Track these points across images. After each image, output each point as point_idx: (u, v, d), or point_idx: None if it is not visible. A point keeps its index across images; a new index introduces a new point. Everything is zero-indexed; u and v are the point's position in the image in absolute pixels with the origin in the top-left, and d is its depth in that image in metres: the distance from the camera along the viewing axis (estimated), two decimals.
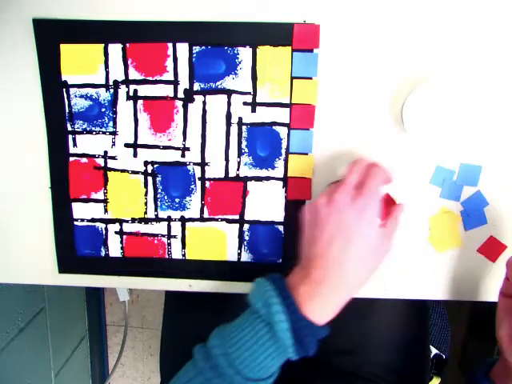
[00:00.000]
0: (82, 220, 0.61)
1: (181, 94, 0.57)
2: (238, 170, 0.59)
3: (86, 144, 0.59)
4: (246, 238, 0.61)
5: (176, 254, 0.62)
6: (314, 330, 0.47)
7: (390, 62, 0.55)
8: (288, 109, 0.57)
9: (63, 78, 0.57)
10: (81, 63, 0.57)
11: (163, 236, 0.61)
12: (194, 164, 0.59)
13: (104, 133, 0.59)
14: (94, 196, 0.60)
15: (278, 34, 0.55)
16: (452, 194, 0.58)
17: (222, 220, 0.60)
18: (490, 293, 0.61)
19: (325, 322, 0.48)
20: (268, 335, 0.47)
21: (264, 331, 0.47)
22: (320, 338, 0.49)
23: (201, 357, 0.48)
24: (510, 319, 0.52)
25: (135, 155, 0.59)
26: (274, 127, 0.57)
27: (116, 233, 0.61)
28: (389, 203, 0.57)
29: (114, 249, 0.62)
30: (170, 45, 0.56)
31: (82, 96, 0.58)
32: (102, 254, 0.62)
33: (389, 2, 0.53)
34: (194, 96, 0.57)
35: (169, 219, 0.61)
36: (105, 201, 0.61)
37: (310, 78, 0.56)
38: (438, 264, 0.60)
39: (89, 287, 1.33)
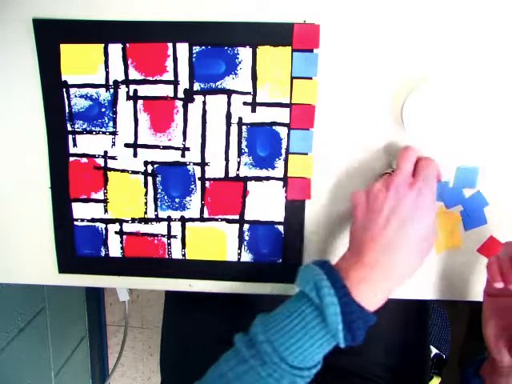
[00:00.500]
0: (82, 220, 0.61)
1: (181, 94, 0.57)
2: (237, 169, 0.59)
3: (86, 144, 0.59)
4: (246, 237, 0.61)
5: (176, 253, 0.62)
6: (364, 316, 0.46)
7: (389, 62, 0.55)
8: (288, 109, 0.57)
9: (63, 78, 0.57)
10: (81, 63, 0.57)
11: (163, 236, 0.61)
12: (194, 164, 0.59)
13: (104, 133, 0.59)
14: (94, 196, 0.60)
15: (278, 34, 0.55)
16: (453, 200, 0.58)
17: (222, 220, 0.60)
18: None
19: (374, 309, 0.47)
20: (317, 319, 0.45)
21: (313, 315, 0.45)
22: (369, 325, 0.47)
23: (243, 345, 0.46)
24: (495, 318, 0.52)
25: (135, 155, 0.59)
26: (273, 127, 0.57)
27: (116, 233, 0.61)
28: None
29: (114, 249, 0.62)
30: (170, 45, 0.56)
31: (82, 96, 0.58)
32: (102, 253, 0.62)
33: (389, 2, 0.53)
34: (194, 96, 0.57)
35: (169, 219, 0.61)
36: (105, 201, 0.61)
37: (310, 78, 0.56)
38: (438, 264, 0.60)
39: (89, 287, 1.33)
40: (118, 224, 0.61)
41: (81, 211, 0.61)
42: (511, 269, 0.48)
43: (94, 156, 0.59)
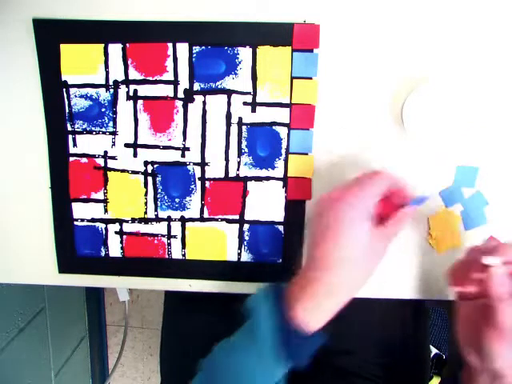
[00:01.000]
0: (82, 220, 0.61)
1: (181, 94, 0.57)
2: (237, 169, 0.59)
3: (86, 144, 0.59)
4: (246, 237, 0.60)
5: (176, 253, 0.62)
6: (302, 334, 0.45)
7: (389, 62, 0.55)
8: (288, 109, 0.57)
9: (63, 78, 0.57)
10: (81, 63, 0.57)
11: (163, 236, 0.61)
12: (194, 164, 0.59)
13: (104, 133, 0.59)
14: (94, 196, 0.60)
15: (278, 34, 0.55)
16: (453, 199, 0.58)
17: (222, 220, 0.60)
18: None
19: (316, 327, 0.47)
20: (250, 335, 0.46)
21: (247, 332, 0.46)
22: (312, 345, 0.46)
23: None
24: (465, 321, 0.50)
25: (135, 155, 0.59)
26: (273, 127, 0.57)
27: (116, 233, 0.61)
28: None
29: (114, 249, 0.62)
30: (170, 45, 0.56)
31: (82, 96, 0.58)
32: (102, 254, 0.62)
33: (389, 1, 0.53)
34: (194, 96, 0.57)
35: (169, 219, 0.61)
36: (105, 201, 0.61)
37: (310, 78, 0.56)
38: (438, 264, 0.60)
39: (89, 287, 1.33)
40: (117, 224, 0.61)
41: (81, 211, 0.61)
42: (468, 274, 0.48)
43: (93, 156, 0.59)
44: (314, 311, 0.46)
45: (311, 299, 0.46)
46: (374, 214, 0.49)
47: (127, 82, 0.57)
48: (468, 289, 0.48)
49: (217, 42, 0.55)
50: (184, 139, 0.58)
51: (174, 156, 0.59)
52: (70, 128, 0.59)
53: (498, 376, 0.47)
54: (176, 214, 0.61)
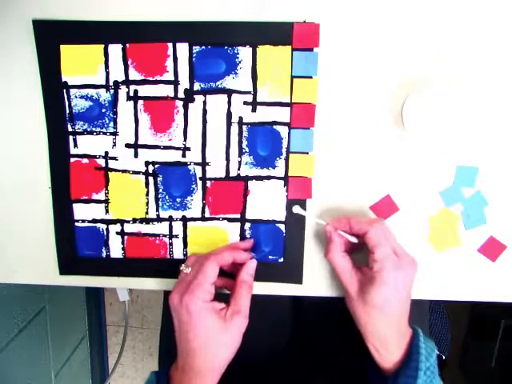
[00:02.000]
0: (83, 221, 0.61)
1: (181, 94, 0.57)
2: (238, 169, 0.59)
3: (87, 145, 0.59)
4: (248, 236, 0.60)
5: (177, 253, 0.62)
6: None
7: (390, 62, 0.55)
8: (288, 108, 0.57)
9: (63, 79, 0.57)
10: (81, 64, 0.57)
11: (165, 236, 0.61)
12: (195, 164, 0.59)
13: (105, 133, 0.58)
14: (95, 197, 0.60)
15: (277, 34, 0.55)
16: (453, 199, 0.58)
17: (224, 219, 0.60)
18: (490, 293, 0.61)
19: None
20: None
21: None
22: None
23: None
24: (355, 275, 0.55)
25: (136, 155, 0.59)
26: (274, 126, 0.57)
27: (117, 233, 0.61)
28: (389, 206, 0.58)
29: (116, 249, 0.62)
30: (170, 45, 0.56)
31: (82, 97, 0.58)
32: (104, 254, 0.62)
33: (389, 1, 0.53)
34: (195, 96, 0.57)
35: (170, 219, 0.61)
36: (106, 201, 0.60)
37: (310, 77, 0.56)
38: (437, 264, 0.60)
39: (89, 287, 1.33)
40: (119, 224, 0.61)
41: (82, 212, 0.61)
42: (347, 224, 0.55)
43: (94, 157, 0.59)
44: None
45: (187, 379, 0.53)
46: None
47: (127, 82, 0.57)
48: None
49: (217, 41, 0.55)
50: (185, 139, 0.58)
51: (174, 156, 0.59)
52: (70, 129, 0.59)
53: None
54: (177, 214, 0.61)
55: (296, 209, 0.59)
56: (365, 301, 0.53)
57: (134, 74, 0.57)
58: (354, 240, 0.55)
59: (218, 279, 0.55)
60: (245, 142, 0.58)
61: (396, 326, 0.54)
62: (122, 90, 0.57)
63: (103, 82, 0.57)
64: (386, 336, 0.53)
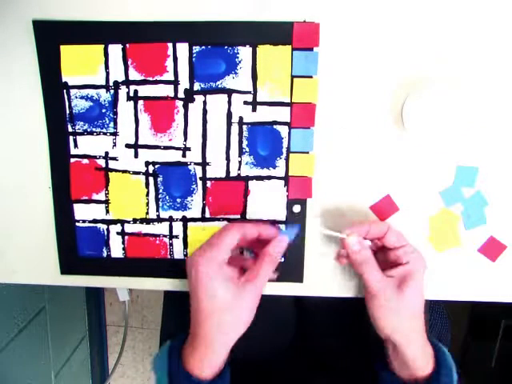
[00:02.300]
0: (84, 221, 0.61)
1: (181, 94, 0.57)
2: (239, 169, 0.59)
3: (87, 145, 0.59)
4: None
5: (178, 254, 0.62)
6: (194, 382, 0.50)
7: (390, 61, 0.55)
8: (288, 108, 0.57)
9: (63, 79, 0.57)
10: (81, 64, 0.57)
11: (165, 236, 0.61)
12: (195, 164, 0.59)
13: (105, 134, 0.58)
14: (95, 197, 0.60)
15: (277, 33, 0.55)
16: (453, 199, 0.58)
17: (224, 220, 0.60)
18: (490, 293, 0.61)
19: (212, 375, 0.51)
20: None
21: None
22: None
23: None
24: (385, 282, 0.54)
25: (136, 156, 0.59)
26: (274, 126, 0.57)
27: (118, 233, 0.61)
28: (389, 206, 0.58)
29: (116, 249, 0.62)
30: (170, 45, 0.56)
31: (82, 97, 0.58)
32: (104, 254, 0.62)
33: (389, 1, 0.53)
34: (195, 96, 0.57)
35: (170, 219, 0.61)
36: (106, 202, 0.60)
37: (311, 77, 0.56)
38: (437, 264, 0.60)
39: (89, 287, 1.34)
40: (119, 225, 0.61)
41: (82, 212, 0.61)
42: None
43: (95, 157, 0.59)
44: (203, 362, 0.51)
45: (197, 351, 0.51)
46: (238, 265, 0.55)
47: (127, 82, 0.57)
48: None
49: (217, 41, 0.55)
50: (185, 139, 0.58)
51: (174, 156, 0.59)
52: (70, 129, 0.59)
53: (394, 344, 0.53)
54: (177, 214, 0.61)
55: (325, 231, 0.58)
56: (398, 302, 0.52)
57: (134, 74, 0.57)
58: (369, 243, 0.55)
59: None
60: (245, 142, 0.58)
61: (422, 331, 0.54)
62: (122, 90, 0.57)
63: (103, 83, 0.57)
64: (415, 343, 0.53)
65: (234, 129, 0.58)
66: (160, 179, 0.59)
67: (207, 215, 0.60)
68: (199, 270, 0.51)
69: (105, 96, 0.57)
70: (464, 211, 0.58)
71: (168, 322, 0.82)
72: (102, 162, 0.59)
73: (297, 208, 0.59)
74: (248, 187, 0.59)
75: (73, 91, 0.57)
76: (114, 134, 0.58)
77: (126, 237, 0.61)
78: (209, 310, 0.51)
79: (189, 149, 0.58)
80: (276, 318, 0.74)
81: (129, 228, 0.61)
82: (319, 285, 0.62)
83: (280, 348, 0.73)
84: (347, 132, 0.57)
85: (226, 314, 0.51)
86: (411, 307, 0.52)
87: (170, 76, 0.57)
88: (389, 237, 0.53)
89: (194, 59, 0.56)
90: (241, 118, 0.57)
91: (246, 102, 0.57)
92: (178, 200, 0.60)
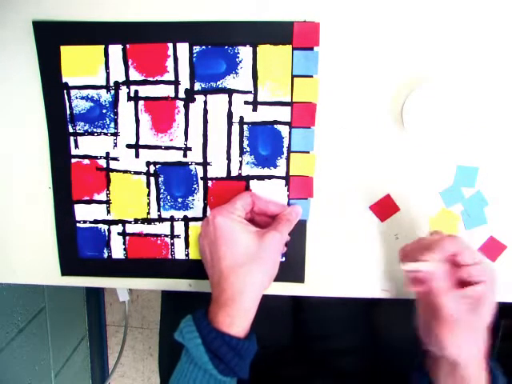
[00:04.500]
0: (85, 222, 0.61)
1: (182, 94, 0.57)
2: (240, 169, 0.59)
3: (88, 145, 0.59)
4: None
5: (179, 254, 0.62)
6: (228, 341, 0.48)
7: (390, 61, 0.55)
8: (289, 107, 0.57)
9: (64, 80, 0.57)
10: (81, 65, 0.57)
11: (166, 236, 0.61)
12: (196, 164, 0.59)
13: (105, 134, 0.59)
14: (96, 197, 0.60)
15: (278, 33, 0.55)
16: (453, 199, 0.58)
17: None
18: None
19: (242, 334, 0.50)
20: (187, 358, 0.49)
21: (185, 358, 0.49)
22: (245, 353, 0.49)
23: None
24: (423, 317, 0.53)
25: (137, 156, 0.59)
26: (275, 126, 0.57)
27: (119, 234, 0.61)
28: (389, 206, 0.58)
29: (117, 250, 0.62)
30: (170, 45, 0.56)
31: (82, 97, 0.58)
32: (105, 255, 0.62)
33: (389, 0, 0.53)
34: (195, 96, 0.57)
35: (172, 219, 0.61)
36: (107, 202, 0.61)
37: (311, 76, 0.56)
38: None
39: (89, 287, 1.34)
40: (120, 225, 0.61)
41: (83, 213, 0.61)
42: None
43: (95, 157, 0.59)
44: (232, 317, 0.49)
45: (224, 308, 0.49)
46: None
47: (128, 82, 0.57)
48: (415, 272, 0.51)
49: (217, 41, 0.55)
50: (186, 139, 0.58)
51: (175, 156, 0.59)
52: (71, 130, 0.59)
53: (454, 364, 0.50)
54: (179, 214, 0.61)
55: (406, 266, 0.50)
56: (471, 323, 0.49)
57: (134, 75, 0.57)
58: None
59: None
60: (246, 142, 0.58)
61: (485, 345, 0.51)
62: (123, 91, 0.57)
63: (104, 83, 0.57)
64: (476, 361, 0.50)
65: (235, 128, 0.58)
66: (161, 179, 0.60)
67: (208, 215, 0.60)
68: (219, 221, 0.51)
69: (105, 96, 0.57)
70: (464, 211, 0.58)
71: (167, 322, 0.82)
72: (102, 163, 0.59)
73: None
74: (249, 187, 0.59)
75: (73, 92, 0.57)
76: (115, 134, 0.58)
77: (128, 237, 0.61)
78: (233, 260, 0.50)
79: (190, 149, 0.58)
80: (274, 318, 0.75)
81: (130, 228, 0.61)
82: (320, 285, 0.62)
83: (278, 348, 0.73)
84: (347, 132, 0.57)
85: (251, 268, 0.50)
86: (483, 327, 0.50)
87: (170, 76, 0.57)
88: (463, 255, 0.48)
89: (194, 59, 0.56)
90: (241, 118, 0.57)
91: (246, 102, 0.57)
92: (180, 200, 0.60)
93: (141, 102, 0.57)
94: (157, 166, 0.59)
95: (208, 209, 0.60)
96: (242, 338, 0.49)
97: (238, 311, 0.50)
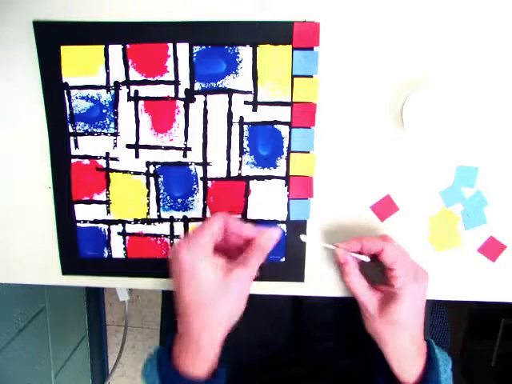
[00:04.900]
0: (85, 221, 0.61)
1: (182, 94, 0.57)
2: (239, 169, 0.59)
3: (88, 145, 0.59)
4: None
5: None
6: (192, 380, 0.48)
7: (390, 61, 0.55)
8: (289, 107, 0.57)
9: (64, 80, 0.57)
10: (81, 65, 0.57)
11: (166, 236, 0.61)
12: (196, 164, 0.59)
13: (105, 134, 0.58)
14: (96, 197, 0.60)
15: (278, 33, 0.55)
16: (452, 199, 0.58)
17: None
18: (490, 293, 0.61)
19: (205, 374, 0.49)
20: None
21: None
22: None
23: None
24: (374, 294, 0.55)
25: (137, 156, 0.59)
26: (275, 126, 0.57)
27: (119, 234, 0.61)
28: (389, 206, 0.58)
29: (117, 250, 0.62)
30: (170, 45, 0.56)
31: (82, 97, 0.58)
32: (105, 255, 0.62)
33: (389, 0, 0.53)
34: (195, 96, 0.57)
35: (171, 219, 0.61)
36: (107, 202, 0.60)
37: (311, 77, 0.56)
38: (437, 264, 0.60)
39: (89, 287, 1.34)
40: (120, 225, 0.61)
41: (83, 213, 0.61)
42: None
43: (95, 157, 0.59)
44: (193, 358, 0.49)
45: (185, 347, 0.49)
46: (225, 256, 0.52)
47: (128, 82, 0.57)
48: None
49: (217, 41, 0.55)
50: (185, 139, 0.58)
51: (175, 156, 0.59)
52: (71, 130, 0.59)
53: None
54: (178, 215, 0.61)
55: (303, 238, 0.58)
56: (387, 319, 0.52)
57: (134, 75, 0.57)
58: (367, 259, 0.55)
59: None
60: (246, 142, 0.58)
61: (416, 339, 0.54)
62: (123, 91, 0.57)
63: (104, 83, 0.57)
64: (408, 351, 0.53)
65: (235, 129, 0.58)
66: (161, 179, 0.60)
67: (208, 215, 0.60)
68: (183, 259, 0.48)
69: (105, 96, 0.57)
70: (464, 211, 0.58)
71: (167, 322, 0.82)
72: (102, 163, 0.59)
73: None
74: (249, 187, 0.59)
75: (73, 92, 0.57)
76: (115, 134, 0.58)
77: (127, 237, 0.61)
78: (195, 298, 0.48)
79: (189, 149, 0.58)
80: (273, 318, 0.75)
81: (130, 228, 0.61)
82: (320, 284, 0.62)
83: (277, 348, 0.73)
84: (347, 132, 0.57)
85: (213, 308, 0.48)
86: (398, 326, 0.52)
87: (170, 76, 0.57)
88: (383, 256, 0.53)
89: (194, 59, 0.56)
90: (241, 118, 0.57)
91: (246, 102, 0.57)
92: (179, 200, 0.60)
93: (141, 102, 0.57)
94: (156, 166, 0.59)
95: (207, 209, 0.60)
96: (205, 378, 0.49)
97: (199, 352, 0.49)
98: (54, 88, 0.57)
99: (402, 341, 0.53)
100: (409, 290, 0.52)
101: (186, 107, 0.57)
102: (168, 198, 0.60)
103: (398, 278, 0.52)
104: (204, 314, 0.48)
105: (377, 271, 0.56)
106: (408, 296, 0.52)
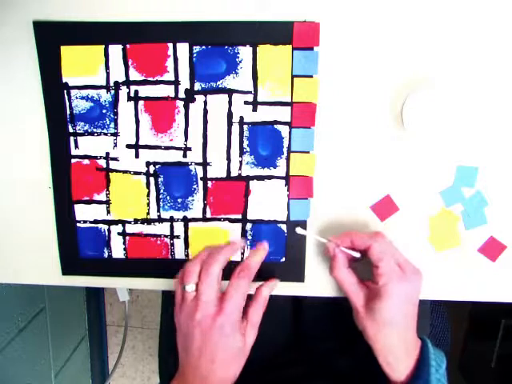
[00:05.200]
0: (85, 222, 0.61)
1: (182, 94, 0.57)
2: (239, 169, 0.59)
3: (88, 145, 0.59)
4: (249, 237, 0.61)
5: (179, 254, 0.62)
6: None
7: (390, 61, 0.55)
8: (289, 107, 0.57)
9: (64, 80, 0.57)
10: (81, 65, 0.57)
11: (166, 236, 0.61)
12: (196, 164, 0.59)
13: (105, 134, 0.59)
14: (96, 197, 0.60)
15: (278, 33, 0.55)
16: (452, 199, 0.58)
17: (225, 220, 0.60)
18: (490, 293, 0.61)
19: None
20: None
21: None
22: None
23: None
24: (361, 290, 0.55)
25: (137, 156, 0.59)
26: (275, 126, 0.57)
27: (119, 234, 0.61)
28: (389, 206, 0.57)
29: (117, 250, 0.62)
30: (171, 45, 0.56)
31: (82, 97, 0.58)
32: (105, 255, 0.62)
33: (389, 0, 0.53)
34: (195, 96, 0.57)
35: (171, 219, 0.61)
36: (107, 202, 0.60)
37: (311, 77, 0.56)
38: (437, 264, 0.60)
39: (89, 287, 1.34)
40: (120, 225, 0.61)
41: (83, 213, 0.61)
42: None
43: (95, 157, 0.59)
44: None
45: None
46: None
47: (128, 82, 0.57)
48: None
49: (217, 41, 0.55)
50: (185, 139, 0.58)
51: (175, 156, 0.59)
52: (71, 130, 0.59)
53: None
54: (178, 215, 0.61)
55: (299, 230, 0.59)
56: (373, 316, 0.53)
57: (134, 75, 0.57)
58: (357, 255, 0.55)
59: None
60: (246, 142, 0.58)
61: (405, 338, 0.54)
62: (123, 91, 0.57)
63: (104, 83, 0.57)
64: (396, 349, 0.53)
65: (235, 129, 0.58)
66: (161, 179, 0.60)
67: (208, 215, 0.60)
68: (227, 330, 0.51)
69: (105, 96, 0.57)
70: (464, 211, 0.58)
71: (167, 322, 0.82)
72: (102, 163, 0.59)
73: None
74: (249, 187, 0.59)
75: (73, 92, 0.57)
76: (115, 134, 0.58)
77: (127, 237, 0.61)
78: (223, 364, 0.52)
79: (189, 149, 0.58)
80: (274, 319, 0.74)
81: (130, 228, 0.61)
82: (320, 284, 0.62)
83: (278, 348, 0.73)
84: (347, 132, 0.57)
85: (236, 362, 0.53)
86: (383, 324, 0.52)
87: (170, 76, 0.57)
88: (370, 253, 0.53)
89: (194, 59, 0.56)
90: (241, 118, 0.57)
91: (246, 102, 0.57)
92: (179, 200, 0.60)
93: (141, 102, 0.57)
94: (156, 166, 0.59)
95: (207, 209, 0.60)
96: None
97: None
98: (54, 88, 0.57)
99: (390, 339, 0.53)
100: (393, 288, 0.51)
101: (186, 107, 0.57)
102: (168, 198, 0.60)
103: (382, 275, 0.52)
104: (224, 371, 0.52)
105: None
106: (392, 294, 0.51)
